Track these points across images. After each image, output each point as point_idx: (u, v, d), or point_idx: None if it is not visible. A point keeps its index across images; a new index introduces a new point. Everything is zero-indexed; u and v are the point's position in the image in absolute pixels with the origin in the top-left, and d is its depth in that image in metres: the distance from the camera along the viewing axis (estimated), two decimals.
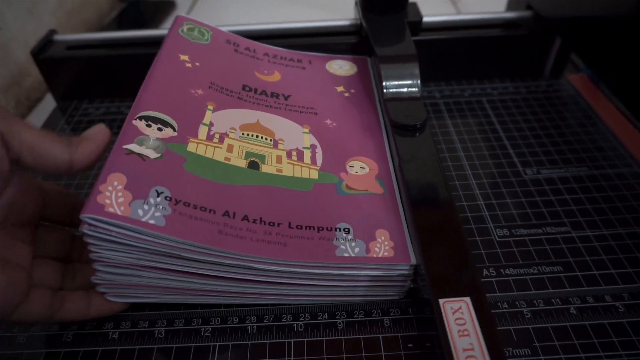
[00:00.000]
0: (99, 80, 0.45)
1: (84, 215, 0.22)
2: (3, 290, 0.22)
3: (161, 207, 0.24)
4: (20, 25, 0.51)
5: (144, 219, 0.23)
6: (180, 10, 0.69)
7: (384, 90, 0.35)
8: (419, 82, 0.35)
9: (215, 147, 0.29)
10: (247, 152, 0.30)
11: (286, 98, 0.35)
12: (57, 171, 0.24)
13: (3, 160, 0.22)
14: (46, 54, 0.43)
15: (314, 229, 0.26)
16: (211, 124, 0.31)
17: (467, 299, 0.23)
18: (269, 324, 0.28)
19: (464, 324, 0.22)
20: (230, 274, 0.26)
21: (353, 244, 0.26)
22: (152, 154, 0.26)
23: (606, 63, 0.39)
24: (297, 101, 0.35)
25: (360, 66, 0.41)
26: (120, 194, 0.24)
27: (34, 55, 0.43)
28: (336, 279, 0.27)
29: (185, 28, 0.38)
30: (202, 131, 0.30)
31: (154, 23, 0.66)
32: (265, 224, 0.26)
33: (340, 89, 0.38)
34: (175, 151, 0.28)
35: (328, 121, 0.34)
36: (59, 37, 0.46)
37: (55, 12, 0.58)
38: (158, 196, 0.25)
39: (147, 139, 0.27)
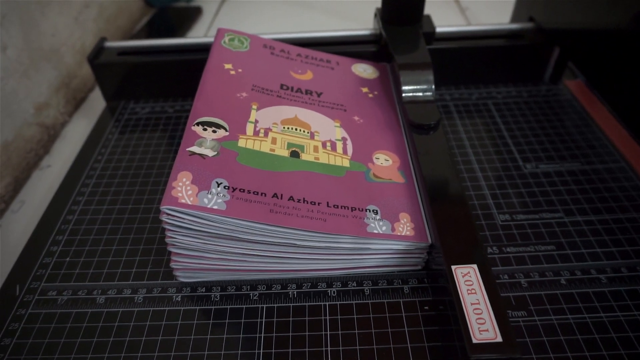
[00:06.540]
0: (144, 82, 0.51)
1: (163, 207, 0.28)
2: None
3: (222, 194, 0.30)
4: (69, 32, 0.57)
5: (209, 206, 0.29)
6: (206, 16, 0.74)
7: (403, 95, 0.40)
8: (433, 87, 0.41)
9: (261, 140, 0.35)
10: (288, 143, 0.35)
11: (319, 95, 0.41)
12: None
13: None
14: (100, 60, 0.49)
15: (348, 208, 0.31)
16: (256, 121, 0.36)
17: (474, 266, 0.28)
18: (307, 290, 0.33)
19: (471, 285, 0.27)
20: (277, 253, 0.31)
21: (381, 223, 0.31)
22: (210, 153, 0.32)
23: (599, 71, 0.44)
24: (328, 98, 0.41)
25: (381, 71, 0.46)
26: (188, 188, 0.29)
27: (90, 60, 0.48)
28: (366, 253, 0.32)
29: (226, 39, 0.43)
30: (249, 128, 0.35)
31: (182, 29, 0.71)
32: (307, 202, 0.31)
33: (365, 89, 0.43)
34: (229, 148, 0.33)
35: (356, 117, 0.39)
36: (108, 44, 0.51)
37: (96, 20, 0.64)
38: (218, 186, 0.30)
39: (204, 141, 0.33)
